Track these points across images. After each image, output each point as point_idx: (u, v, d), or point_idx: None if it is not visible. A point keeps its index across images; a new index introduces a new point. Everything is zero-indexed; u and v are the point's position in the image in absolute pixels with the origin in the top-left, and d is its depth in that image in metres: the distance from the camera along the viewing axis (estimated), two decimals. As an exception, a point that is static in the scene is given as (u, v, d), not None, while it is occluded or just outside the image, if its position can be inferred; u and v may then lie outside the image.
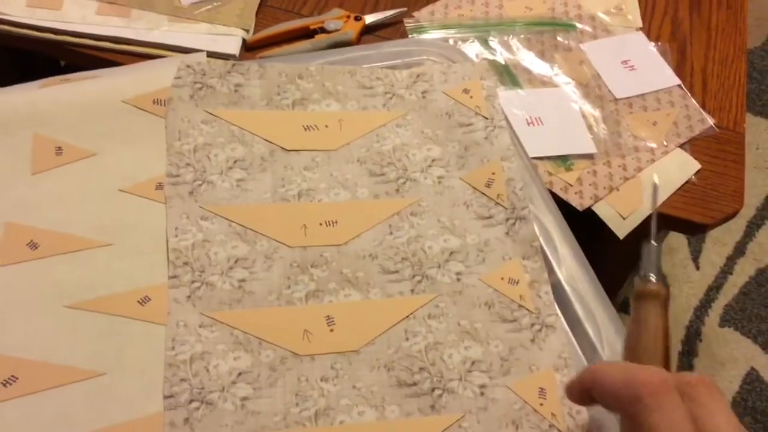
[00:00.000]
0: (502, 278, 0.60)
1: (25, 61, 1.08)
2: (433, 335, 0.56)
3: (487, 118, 0.68)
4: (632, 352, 0.51)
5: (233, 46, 0.91)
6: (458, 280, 0.59)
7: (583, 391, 0.47)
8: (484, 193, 0.64)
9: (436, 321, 0.57)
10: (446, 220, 0.62)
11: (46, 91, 0.64)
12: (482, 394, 0.54)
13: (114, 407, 0.51)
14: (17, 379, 0.52)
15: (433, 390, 0.54)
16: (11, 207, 0.59)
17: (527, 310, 0.58)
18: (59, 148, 0.61)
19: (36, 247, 0.57)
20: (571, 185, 0.85)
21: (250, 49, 0.93)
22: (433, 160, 0.66)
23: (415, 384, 0.54)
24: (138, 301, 0.56)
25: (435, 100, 0.69)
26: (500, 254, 0.61)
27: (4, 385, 0.51)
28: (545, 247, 0.64)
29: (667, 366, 0.49)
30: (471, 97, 0.69)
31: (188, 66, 0.66)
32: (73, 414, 0.51)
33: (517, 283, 0.59)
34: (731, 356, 1.55)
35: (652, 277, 0.52)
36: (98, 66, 0.76)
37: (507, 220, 0.63)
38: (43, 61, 1.05)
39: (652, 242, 0.55)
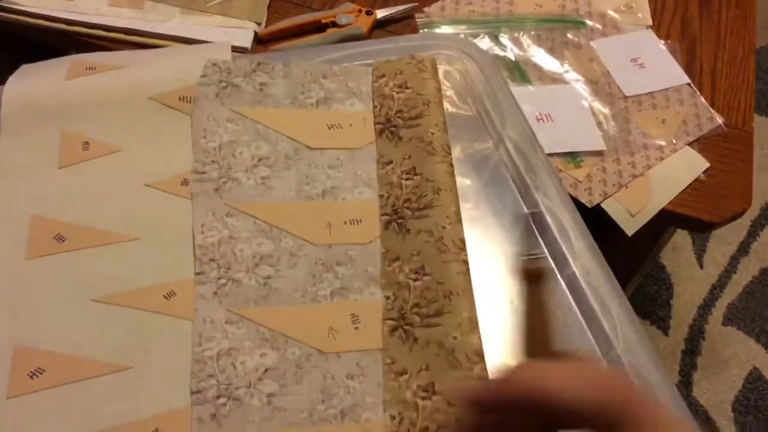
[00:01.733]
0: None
1: (35, 50, 1.08)
2: None
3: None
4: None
5: (245, 39, 0.91)
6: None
7: (515, 399, 0.41)
8: None
9: None
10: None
11: (74, 84, 0.65)
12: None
13: (140, 401, 0.52)
14: (44, 371, 0.52)
15: None
16: (38, 200, 0.59)
17: None
18: (86, 143, 0.62)
19: (63, 241, 0.58)
20: (581, 182, 0.86)
21: (261, 42, 0.93)
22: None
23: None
24: (164, 296, 0.56)
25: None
26: None
27: (31, 377, 0.52)
28: (560, 241, 0.64)
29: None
30: None
31: (214, 64, 0.67)
32: (99, 407, 0.51)
33: None
34: (734, 355, 1.57)
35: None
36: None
37: None
38: (53, 52, 1.05)
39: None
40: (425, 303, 0.57)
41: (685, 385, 1.55)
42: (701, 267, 1.68)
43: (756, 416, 1.52)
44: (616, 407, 0.38)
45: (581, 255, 0.64)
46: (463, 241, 0.60)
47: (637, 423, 0.38)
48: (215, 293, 0.57)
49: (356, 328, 0.57)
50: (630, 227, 0.85)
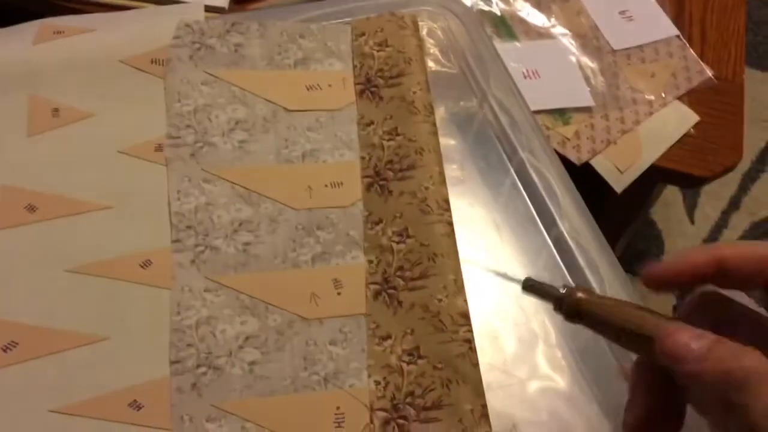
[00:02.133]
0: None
1: (4, 17, 1.05)
2: None
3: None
4: None
5: (222, -1, 0.89)
6: None
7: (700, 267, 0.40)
8: None
9: None
10: None
11: (41, 49, 0.63)
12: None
13: (118, 372, 0.51)
14: (18, 344, 0.51)
15: None
16: (8, 170, 0.58)
17: None
18: (56, 109, 0.60)
19: (34, 210, 0.56)
20: (569, 139, 0.85)
21: (239, 1, 0.91)
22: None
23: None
24: (140, 265, 0.55)
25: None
26: None
27: (5, 351, 0.50)
28: (548, 201, 0.63)
29: None
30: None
31: (187, 25, 0.65)
32: (75, 379, 0.50)
33: None
34: (725, 310, 1.57)
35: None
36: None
37: None
38: (22, 17, 1.02)
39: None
40: (409, 266, 0.56)
41: (677, 340, 1.55)
42: (692, 222, 1.67)
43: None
44: None
45: (569, 214, 0.63)
46: (447, 202, 0.59)
47: None
48: (193, 261, 0.55)
49: (338, 293, 0.55)
50: (619, 184, 0.84)
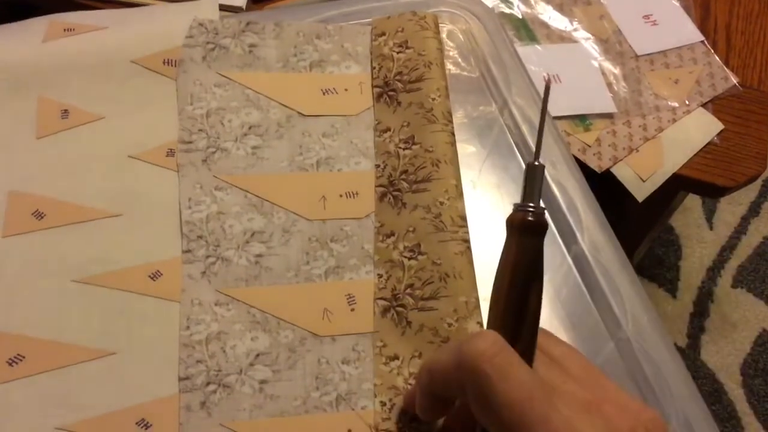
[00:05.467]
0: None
1: (14, 11, 1.04)
2: None
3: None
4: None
5: (240, -3, 0.88)
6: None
7: (424, 396, 0.43)
8: None
9: None
10: None
11: (50, 47, 0.61)
12: None
13: (125, 388, 0.49)
14: (24, 358, 0.49)
15: None
16: (16, 174, 0.56)
17: None
18: (65, 110, 0.58)
19: (42, 217, 0.54)
20: (590, 146, 0.83)
21: (257, 1, 0.90)
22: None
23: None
24: (149, 276, 0.53)
25: None
26: None
27: (10, 365, 0.49)
28: (568, 215, 0.61)
29: (516, 313, 0.41)
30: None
31: (200, 24, 0.63)
32: (81, 395, 0.49)
33: None
34: (743, 317, 1.55)
35: (531, 208, 0.42)
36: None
37: None
38: (32, 10, 1.01)
39: (538, 163, 0.43)
40: (420, 284, 0.54)
41: (693, 347, 1.53)
42: (711, 228, 1.65)
43: (764, 379, 1.50)
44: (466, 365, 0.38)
45: (589, 229, 0.61)
46: (463, 218, 0.56)
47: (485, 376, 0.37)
48: (203, 273, 0.53)
49: (352, 309, 0.53)
50: (641, 193, 0.82)
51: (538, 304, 0.41)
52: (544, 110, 0.44)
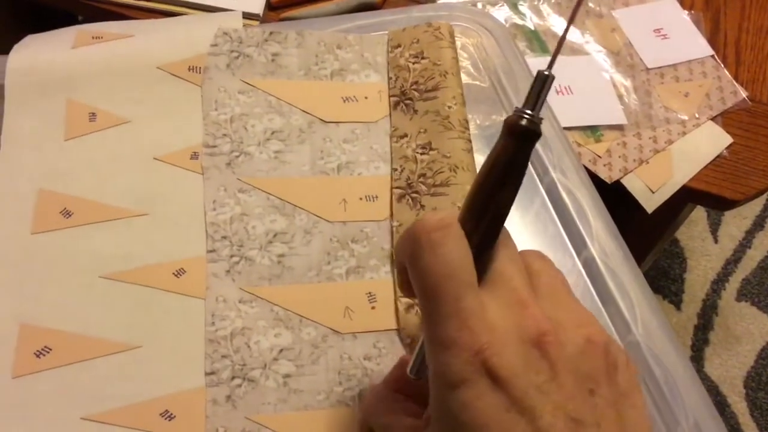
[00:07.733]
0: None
1: (40, 15, 1.06)
2: None
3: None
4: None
5: (257, 5, 0.89)
6: None
7: (398, 272, 0.41)
8: None
9: None
10: None
11: (79, 53, 0.63)
12: None
13: (150, 381, 0.50)
14: (51, 350, 0.51)
15: None
16: (45, 173, 0.57)
17: None
18: (93, 113, 0.60)
19: (70, 215, 0.56)
20: (600, 157, 0.84)
21: (273, 8, 0.91)
22: None
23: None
24: (173, 273, 0.55)
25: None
26: None
27: (38, 356, 0.50)
28: (578, 221, 0.62)
29: (480, 207, 0.40)
30: None
31: (225, 33, 0.65)
32: (107, 387, 0.50)
33: None
34: (747, 330, 1.56)
35: (527, 114, 0.40)
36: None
37: None
38: (59, 17, 1.03)
39: (548, 72, 0.41)
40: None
41: (696, 360, 1.54)
42: (716, 241, 1.66)
43: (767, 392, 1.51)
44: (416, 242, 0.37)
45: (599, 237, 0.62)
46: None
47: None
48: (228, 271, 0.55)
49: (372, 307, 0.55)
50: (650, 204, 0.83)
51: (505, 206, 0.40)
52: (571, 20, 0.44)
